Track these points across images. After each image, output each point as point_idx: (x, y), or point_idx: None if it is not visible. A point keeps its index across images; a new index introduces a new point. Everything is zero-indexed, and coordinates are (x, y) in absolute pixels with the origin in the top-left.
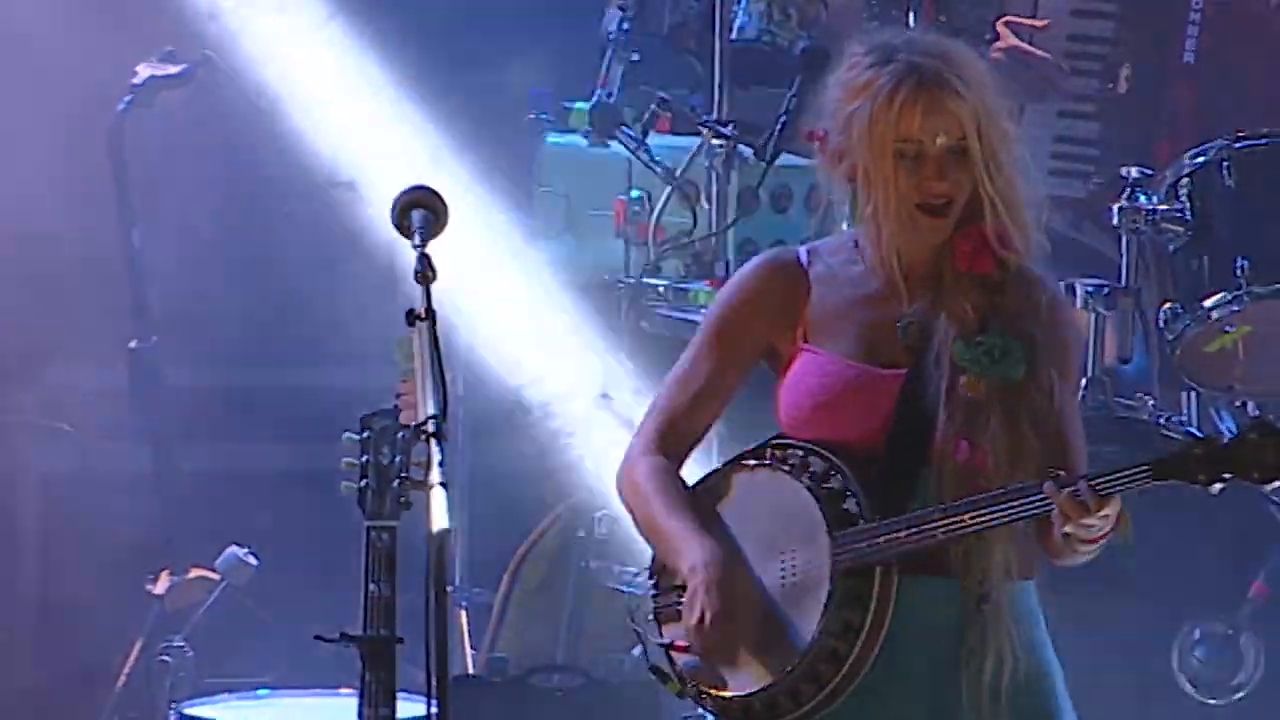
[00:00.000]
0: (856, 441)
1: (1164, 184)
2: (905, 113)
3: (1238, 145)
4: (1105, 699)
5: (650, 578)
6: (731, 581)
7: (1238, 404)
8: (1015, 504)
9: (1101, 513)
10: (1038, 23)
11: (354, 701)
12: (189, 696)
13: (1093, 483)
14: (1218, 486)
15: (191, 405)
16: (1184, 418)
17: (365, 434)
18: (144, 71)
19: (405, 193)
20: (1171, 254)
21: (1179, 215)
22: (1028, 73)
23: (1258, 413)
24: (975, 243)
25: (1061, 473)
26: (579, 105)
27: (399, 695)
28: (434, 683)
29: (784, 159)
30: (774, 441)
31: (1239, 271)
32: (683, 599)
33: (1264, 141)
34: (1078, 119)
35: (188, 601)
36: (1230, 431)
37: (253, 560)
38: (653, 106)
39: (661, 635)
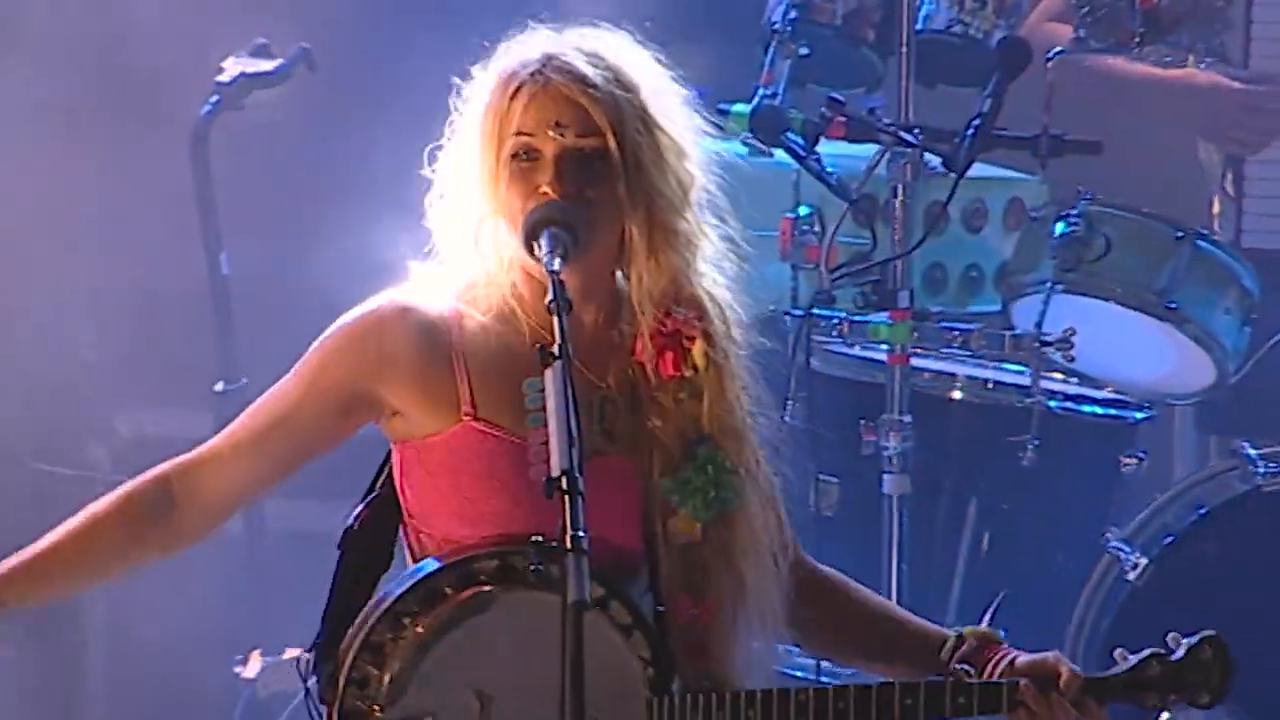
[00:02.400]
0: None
1: None
2: (522, 102)
3: None
4: None
5: None
6: None
7: None
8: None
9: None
10: None
11: None
12: None
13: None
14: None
15: None
16: None
17: None
18: (232, 68)
19: (537, 209)
20: None
21: None
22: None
23: None
24: (663, 336)
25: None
26: (738, 107)
27: None
28: None
29: (978, 169)
30: (524, 544)
31: None
32: None
33: None
34: None
35: (283, 686)
36: None
37: None
38: (824, 109)
39: None
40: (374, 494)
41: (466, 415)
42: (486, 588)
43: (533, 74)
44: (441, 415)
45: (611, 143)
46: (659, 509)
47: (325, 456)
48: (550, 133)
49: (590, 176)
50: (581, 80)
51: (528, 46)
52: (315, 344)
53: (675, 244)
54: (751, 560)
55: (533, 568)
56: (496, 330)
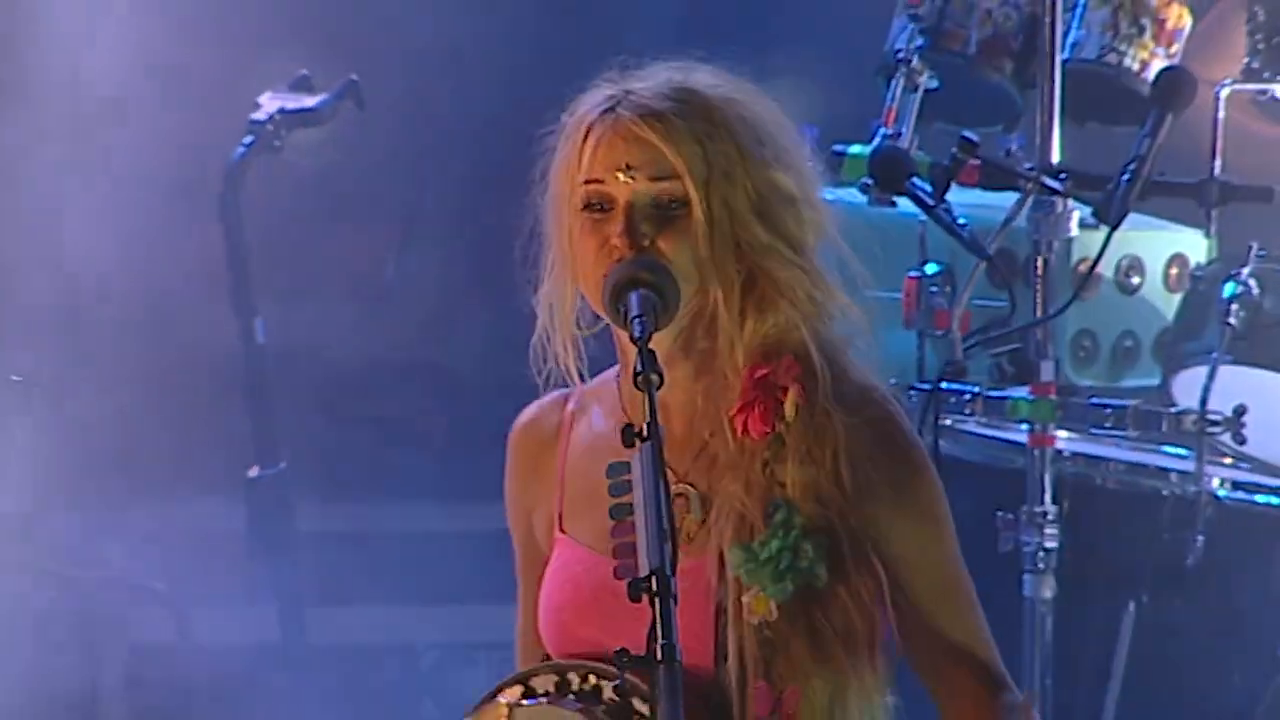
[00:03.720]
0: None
1: None
2: (590, 144)
3: None
4: None
5: None
6: None
7: None
8: None
9: None
10: None
11: None
12: None
13: None
14: None
15: (329, 553)
16: None
17: None
18: (269, 104)
19: (617, 268)
20: None
21: None
22: None
23: None
24: (754, 388)
25: None
26: (855, 149)
27: None
28: None
29: (1134, 221)
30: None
31: None
32: None
33: None
34: None
35: None
36: None
37: None
38: (955, 150)
39: None
40: None
41: (558, 528)
42: (525, 701)
43: (602, 113)
44: (548, 533)
45: (690, 187)
46: (731, 583)
47: (356, 557)
48: (621, 177)
49: (664, 226)
50: (654, 115)
51: (606, 86)
52: None
53: (774, 298)
54: (847, 643)
55: (615, 684)
56: (600, 425)
